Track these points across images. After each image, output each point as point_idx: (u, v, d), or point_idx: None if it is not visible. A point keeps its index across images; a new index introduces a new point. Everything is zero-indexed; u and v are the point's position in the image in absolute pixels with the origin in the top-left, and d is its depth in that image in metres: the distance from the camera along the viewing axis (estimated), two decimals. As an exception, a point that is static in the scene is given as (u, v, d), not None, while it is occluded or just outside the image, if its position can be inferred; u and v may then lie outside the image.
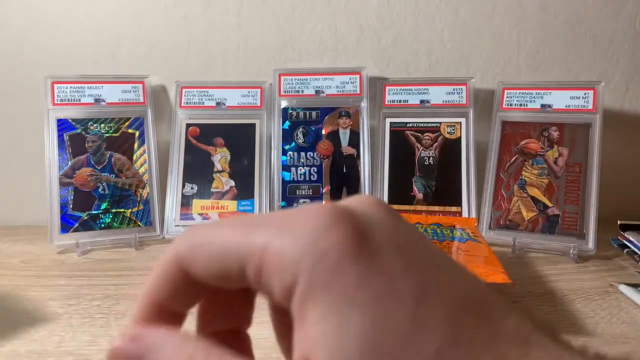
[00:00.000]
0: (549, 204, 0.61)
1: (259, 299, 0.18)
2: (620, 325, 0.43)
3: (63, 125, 0.62)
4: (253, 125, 0.66)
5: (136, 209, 0.63)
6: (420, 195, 0.64)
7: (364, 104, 0.66)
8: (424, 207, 0.63)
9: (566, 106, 0.62)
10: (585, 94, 0.62)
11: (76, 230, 0.61)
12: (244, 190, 0.64)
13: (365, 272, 0.14)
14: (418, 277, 0.14)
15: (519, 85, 0.64)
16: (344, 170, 0.65)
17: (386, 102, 0.66)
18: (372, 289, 0.14)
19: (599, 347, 0.40)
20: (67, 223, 0.61)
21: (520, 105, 0.63)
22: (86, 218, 0.62)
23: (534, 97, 0.63)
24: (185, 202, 0.64)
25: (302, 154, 0.65)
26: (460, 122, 0.64)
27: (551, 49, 0.68)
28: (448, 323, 0.14)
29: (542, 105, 0.63)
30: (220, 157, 0.65)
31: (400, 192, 0.64)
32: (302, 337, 0.14)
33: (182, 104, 0.66)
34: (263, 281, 0.15)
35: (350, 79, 0.66)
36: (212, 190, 0.64)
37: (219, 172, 0.65)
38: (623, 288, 0.48)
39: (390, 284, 0.14)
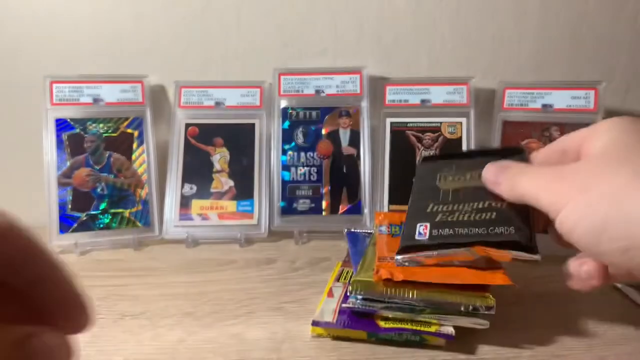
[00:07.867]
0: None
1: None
2: (621, 326, 0.43)
3: (61, 125, 0.62)
4: (252, 125, 0.66)
5: (135, 209, 0.63)
6: (420, 196, 0.63)
7: (364, 104, 0.65)
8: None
9: (567, 106, 0.62)
10: (586, 94, 0.62)
11: (75, 230, 0.61)
12: (244, 190, 0.64)
13: None
14: None
15: (520, 85, 0.64)
16: (344, 170, 0.65)
17: (387, 102, 0.66)
18: None
19: (600, 348, 0.40)
20: (66, 223, 0.61)
21: (522, 105, 0.63)
22: (85, 218, 0.61)
23: (535, 97, 0.63)
24: (185, 202, 0.63)
25: (302, 153, 0.65)
26: (461, 122, 0.64)
27: (552, 48, 0.68)
28: None
29: (544, 105, 0.62)
30: (220, 157, 0.65)
31: (401, 192, 0.64)
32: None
33: (181, 104, 0.66)
34: None
35: (351, 78, 0.66)
36: (211, 190, 0.64)
37: (218, 172, 0.64)
38: (625, 288, 0.48)
39: None
